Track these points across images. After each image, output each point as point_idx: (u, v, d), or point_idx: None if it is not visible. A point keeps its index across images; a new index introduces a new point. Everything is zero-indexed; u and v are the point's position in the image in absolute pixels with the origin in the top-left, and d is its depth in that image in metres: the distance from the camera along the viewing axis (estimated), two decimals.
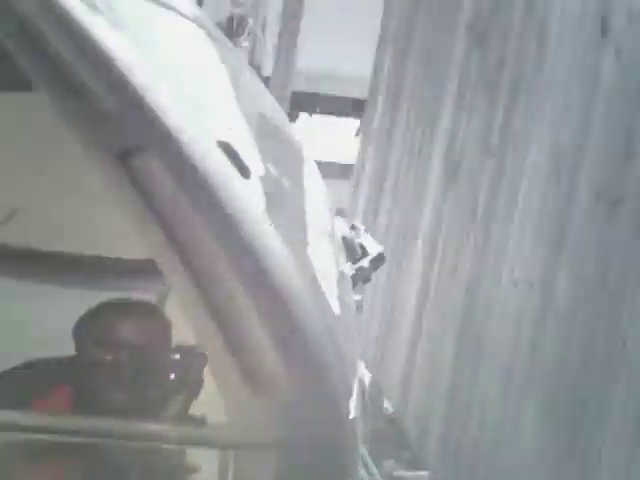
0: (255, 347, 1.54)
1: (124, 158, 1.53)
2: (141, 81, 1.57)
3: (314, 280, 1.78)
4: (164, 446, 1.61)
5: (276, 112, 2.95)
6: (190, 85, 1.93)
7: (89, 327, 1.87)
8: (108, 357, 1.80)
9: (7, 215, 1.69)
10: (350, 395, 1.72)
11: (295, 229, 1.93)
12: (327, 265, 1.96)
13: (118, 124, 1.55)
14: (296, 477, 1.65)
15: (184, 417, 1.65)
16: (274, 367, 1.55)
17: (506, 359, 3.90)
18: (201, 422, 1.64)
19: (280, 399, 1.57)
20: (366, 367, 5.76)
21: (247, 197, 1.64)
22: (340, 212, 5.20)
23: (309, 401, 1.61)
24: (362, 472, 4.70)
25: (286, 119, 3.13)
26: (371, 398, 5.55)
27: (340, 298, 1.92)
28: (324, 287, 1.82)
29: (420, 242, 5.10)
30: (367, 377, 5.58)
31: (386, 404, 5.39)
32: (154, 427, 1.62)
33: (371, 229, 5.88)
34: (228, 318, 1.53)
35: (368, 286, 5.68)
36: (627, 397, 3.07)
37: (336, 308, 1.83)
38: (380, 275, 5.63)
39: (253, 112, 2.61)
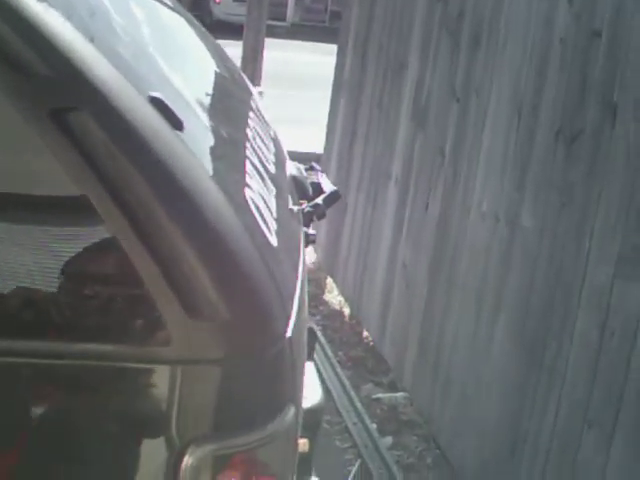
0: (190, 274, 1.62)
1: (57, 117, 1.60)
2: (70, 44, 1.64)
3: (249, 215, 1.86)
4: (115, 365, 1.67)
5: (229, 67, 2.99)
6: (125, 43, 1.97)
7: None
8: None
9: None
10: (286, 316, 1.80)
11: (230, 174, 1.99)
12: (266, 202, 2.04)
13: (49, 86, 1.61)
14: (236, 391, 1.73)
15: (131, 338, 1.69)
16: (209, 292, 1.63)
17: (476, 287, 3.98)
18: (147, 342, 1.68)
19: (216, 320, 1.65)
20: (346, 300, 5.85)
21: (178, 148, 1.71)
22: (317, 159, 5.26)
23: (244, 321, 1.69)
24: (342, 396, 4.81)
25: (240, 74, 3.17)
26: (351, 328, 5.65)
27: (280, 232, 2.00)
28: (261, 221, 1.90)
29: (393, 183, 5.16)
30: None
31: (365, 333, 5.48)
32: (105, 347, 1.67)
33: (346, 173, 5.95)
34: (164, 251, 1.61)
35: (346, 225, 5.78)
36: (588, 318, 3.15)
37: (273, 240, 1.91)
38: (357, 215, 5.71)
39: (198, 68, 2.66)
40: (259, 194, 2.03)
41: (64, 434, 1.70)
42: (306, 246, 2.46)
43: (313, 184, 2.68)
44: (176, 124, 1.74)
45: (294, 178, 2.63)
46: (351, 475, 4.18)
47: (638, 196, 2.95)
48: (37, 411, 1.71)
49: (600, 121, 3.16)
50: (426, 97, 4.78)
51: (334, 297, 6.09)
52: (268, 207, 2.04)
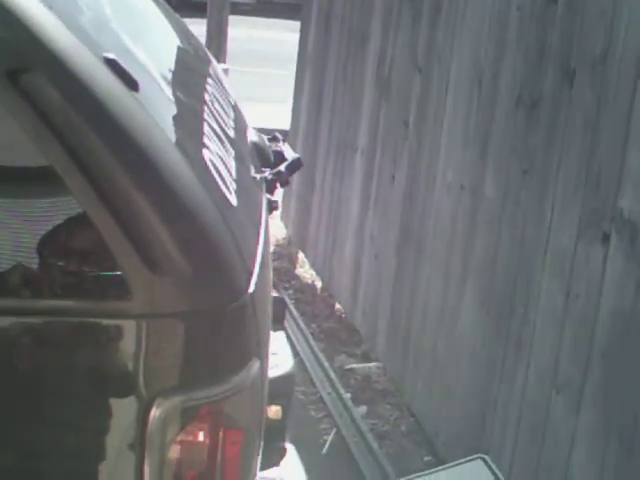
0: (149, 229, 1.64)
1: (13, 77, 1.60)
2: (25, 7, 1.65)
3: (207, 174, 1.87)
4: (80, 320, 1.69)
5: (190, 40, 2.99)
6: (84, 13, 1.98)
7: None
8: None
9: None
10: (248, 272, 1.82)
11: (188, 135, 2.00)
12: (225, 164, 2.04)
13: (4, 48, 1.63)
14: (200, 344, 1.75)
15: (94, 293, 1.70)
16: (168, 246, 1.65)
17: (444, 256, 3.98)
18: (110, 297, 1.69)
19: (178, 276, 1.66)
20: (317, 274, 5.85)
21: (133, 107, 1.72)
22: (283, 133, 5.23)
23: (204, 275, 1.71)
24: (316, 367, 4.82)
25: (201, 46, 3.17)
26: (323, 301, 5.65)
27: (240, 193, 2.01)
28: (220, 181, 1.91)
29: (359, 155, 5.15)
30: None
31: (338, 306, 5.48)
32: (69, 303, 1.69)
33: (313, 148, 5.93)
34: (123, 208, 1.63)
35: (315, 199, 5.76)
36: (553, 283, 3.16)
37: (233, 199, 1.93)
38: (325, 189, 5.69)
39: (158, 39, 2.67)
40: (217, 155, 2.04)
41: (31, 391, 1.71)
42: (270, 212, 2.47)
43: (275, 152, 2.68)
44: (131, 85, 1.75)
45: (255, 145, 2.64)
46: (327, 444, 4.20)
47: (596, 160, 2.95)
48: (3, 370, 1.71)
49: (558, 87, 3.16)
50: (389, 68, 4.76)
51: (306, 271, 6.08)
52: (227, 168, 2.05)
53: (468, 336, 3.74)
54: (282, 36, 14.21)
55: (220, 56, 7.60)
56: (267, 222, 2.31)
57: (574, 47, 3.09)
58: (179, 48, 2.75)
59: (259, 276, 1.86)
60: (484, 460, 3.40)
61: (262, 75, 11.93)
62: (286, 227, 6.47)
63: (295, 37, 6.69)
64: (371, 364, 4.80)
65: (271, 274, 2.22)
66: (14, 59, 1.63)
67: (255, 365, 1.81)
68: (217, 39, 7.89)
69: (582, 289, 3.01)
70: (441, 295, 3.99)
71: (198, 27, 3.09)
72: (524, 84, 3.38)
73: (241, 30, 12.75)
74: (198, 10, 12.08)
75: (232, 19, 8.96)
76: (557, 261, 3.13)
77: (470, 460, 3.44)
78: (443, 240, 4.00)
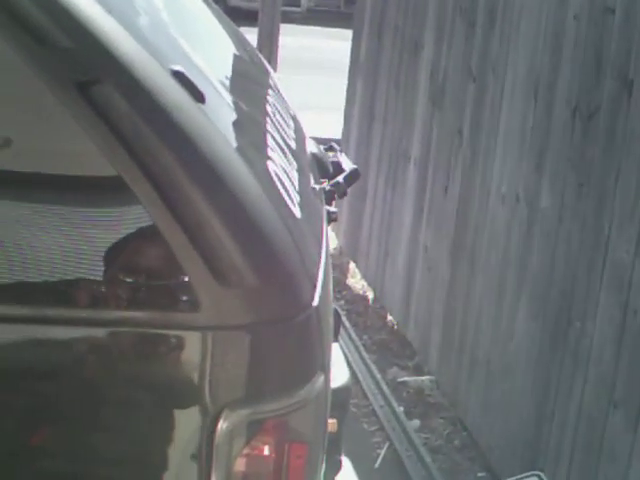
0: (217, 241, 1.65)
1: (83, 89, 1.62)
2: (95, 20, 1.67)
3: (272, 186, 1.88)
4: (148, 331, 1.70)
5: (247, 48, 3.01)
6: (143, 19, 2.00)
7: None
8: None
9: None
10: (312, 285, 1.82)
11: (252, 146, 2.02)
12: (288, 176, 2.06)
13: (75, 59, 1.65)
14: (266, 357, 1.75)
15: (162, 304, 1.71)
16: (235, 258, 1.66)
17: (498, 269, 3.96)
18: (177, 308, 1.70)
19: (245, 288, 1.67)
20: (369, 285, 5.85)
21: (201, 119, 1.74)
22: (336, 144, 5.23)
23: (271, 287, 1.72)
24: (368, 379, 4.81)
25: (257, 54, 3.20)
26: (375, 312, 5.64)
27: (303, 205, 2.01)
28: (284, 193, 1.92)
29: (412, 165, 5.14)
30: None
31: (389, 317, 5.47)
32: (137, 314, 1.70)
33: (365, 157, 5.93)
34: (191, 219, 1.64)
35: (367, 209, 5.76)
36: (611, 298, 3.13)
37: (297, 212, 1.93)
38: (377, 199, 5.69)
39: (216, 46, 2.69)
40: (281, 167, 2.05)
41: (99, 402, 1.72)
42: (328, 223, 2.48)
43: (333, 163, 2.69)
44: (198, 97, 1.77)
45: (314, 156, 2.65)
46: (380, 457, 4.19)
47: None
48: (70, 380, 1.73)
49: (616, 97, 3.13)
50: (443, 77, 4.75)
51: (357, 282, 6.08)
52: (291, 180, 2.06)
53: (523, 349, 3.72)
54: (333, 44, 14.25)
55: (271, 64, 7.62)
56: (327, 234, 2.32)
57: (632, 56, 3.06)
58: (238, 57, 2.78)
59: (322, 288, 1.87)
60: (539, 477, 3.36)
61: (312, 83, 11.95)
62: (337, 237, 6.48)
63: (346, 45, 6.71)
64: (424, 377, 4.78)
65: (332, 286, 2.23)
66: (84, 71, 1.65)
67: (320, 378, 1.81)
68: (268, 47, 7.92)
69: None
70: (495, 308, 3.97)
71: (249, 36, 3.11)
72: (581, 94, 3.35)
73: (290, 38, 12.78)
74: (248, 18, 12.17)
75: (282, 27, 9.02)
76: (615, 275, 3.10)
77: (525, 477, 3.40)
78: (497, 252, 3.98)
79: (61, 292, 1.72)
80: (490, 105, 4.13)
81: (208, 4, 3.00)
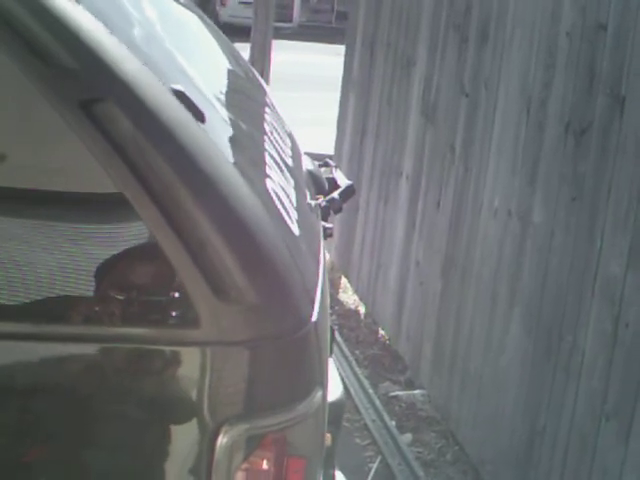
0: (217, 258, 1.68)
1: (86, 108, 1.66)
2: (97, 39, 1.71)
3: (271, 204, 1.91)
4: (147, 347, 1.73)
5: (242, 64, 3.05)
6: (142, 38, 2.04)
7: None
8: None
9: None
10: (311, 301, 1.85)
11: (251, 164, 2.05)
12: (286, 193, 2.09)
13: (78, 78, 1.68)
14: (265, 372, 1.78)
15: (162, 320, 1.74)
16: (235, 274, 1.68)
17: (490, 283, 4.00)
18: (178, 324, 1.73)
19: (244, 304, 1.70)
20: (361, 299, 5.87)
21: (202, 137, 1.78)
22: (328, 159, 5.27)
23: (270, 303, 1.74)
24: (360, 393, 4.83)
25: (252, 71, 3.24)
26: (366, 327, 5.67)
27: (301, 222, 2.05)
28: (282, 210, 1.95)
29: (404, 180, 5.18)
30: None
31: (381, 332, 5.50)
32: (137, 330, 1.73)
33: (357, 172, 5.97)
34: (191, 236, 1.67)
35: (359, 224, 5.80)
36: (602, 311, 3.17)
37: (295, 229, 1.97)
38: (369, 213, 5.73)
39: (213, 63, 2.73)
40: (279, 184, 2.09)
41: (99, 418, 1.74)
42: (325, 239, 2.51)
43: (328, 179, 2.73)
44: (198, 116, 1.81)
45: (310, 172, 2.69)
46: (372, 472, 4.21)
47: None
48: (71, 396, 1.75)
49: (609, 113, 3.18)
50: (435, 93, 4.80)
51: (349, 296, 6.12)
52: (288, 197, 2.10)
53: (515, 363, 3.75)
54: (325, 60, 14.29)
55: (264, 80, 7.67)
56: (324, 250, 2.35)
57: (624, 73, 3.12)
58: (235, 74, 2.81)
59: (320, 304, 1.90)
60: None
61: (304, 99, 12.00)
62: (329, 251, 6.51)
63: (338, 60, 6.75)
64: (416, 391, 4.81)
65: (328, 301, 2.26)
66: (87, 90, 1.68)
67: (318, 393, 1.84)
68: (261, 63, 7.97)
69: (632, 317, 3.02)
70: (487, 322, 4.01)
71: (241, 52, 3.15)
72: (573, 110, 3.40)
73: (282, 54, 12.83)
74: (239, 34, 12.20)
75: (274, 43, 9.07)
76: (607, 289, 3.15)
77: None
78: (490, 266, 4.02)
79: (62, 308, 1.74)
80: (483, 120, 4.18)
81: (203, 20, 3.04)
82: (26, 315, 1.74)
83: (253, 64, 7.80)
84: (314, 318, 1.83)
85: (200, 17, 3.02)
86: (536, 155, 3.65)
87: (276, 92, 5.15)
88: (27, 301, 1.77)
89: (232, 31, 13.14)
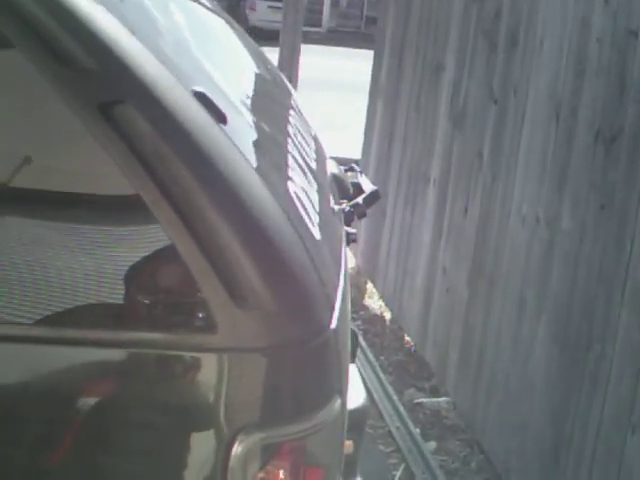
0: (236, 263, 1.65)
1: (105, 110, 1.64)
2: (117, 41, 1.70)
3: (292, 208, 1.89)
4: (164, 352, 1.70)
5: (268, 67, 3.03)
6: (166, 40, 2.03)
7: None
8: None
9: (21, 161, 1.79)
10: (331, 307, 1.82)
11: (273, 167, 2.03)
12: (308, 197, 2.07)
13: (98, 81, 1.67)
14: (283, 380, 1.75)
15: (179, 326, 1.72)
16: (254, 280, 1.66)
17: (518, 290, 3.97)
18: (195, 330, 1.71)
19: (263, 310, 1.67)
20: (386, 305, 5.86)
21: (222, 140, 1.76)
22: (355, 164, 5.26)
23: (289, 310, 1.72)
24: (384, 400, 4.82)
25: (279, 74, 3.22)
26: (392, 333, 5.65)
27: (323, 226, 2.03)
28: (304, 214, 1.93)
29: (431, 186, 5.16)
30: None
31: (406, 338, 5.47)
32: (154, 335, 1.70)
33: (384, 177, 5.95)
34: (210, 241, 1.65)
35: (385, 229, 5.78)
36: (631, 320, 3.14)
37: (316, 233, 1.94)
38: (396, 219, 5.71)
39: (238, 66, 2.72)
40: (302, 188, 2.06)
41: (113, 423, 1.73)
42: (347, 244, 2.49)
43: (353, 184, 2.71)
44: (220, 118, 1.79)
45: (335, 177, 2.67)
46: (395, 479, 4.19)
47: None
48: (86, 401, 1.73)
49: (639, 121, 3.15)
50: (463, 99, 4.78)
51: (374, 302, 6.10)
52: (311, 201, 2.07)
53: (542, 371, 3.72)
54: (353, 65, 14.29)
55: (292, 84, 7.67)
56: (346, 255, 2.33)
57: None
58: (260, 77, 2.80)
59: (340, 311, 1.87)
60: None
61: (332, 103, 12.00)
62: (355, 256, 6.50)
63: (366, 66, 6.74)
64: (441, 399, 4.79)
65: (349, 308, 2.24)
66: (106, 92, 1.67)
67: (337, 402, 1.81)
68: (289, 67, 7.97)
69: None
70: (514, 329, 3.98)
71: (269, 55, 3.15)
72: (603, 117, 3.37)
73: (311, 58, 12.84)
74: (268, 38, 12.24)
75: (302, 47, 9.08)
76: (636, 297, 3.11)
77: None
78: (517, 273, 3.99)
79: (79, 312, 1.73)
80: (511, 127, 4.15)
81: (230, 24, 3.03)
82: (47, 319, 1.72)
83: (282, 68, 7.81)
84: (333, 325, 1.80)
85: (227, 21, 3.01)
86: (565, 162, 3.62)
87: (304, 96, 5.15)
88: (48, 306, 1.75)
89: (261, 35, 13.21)
